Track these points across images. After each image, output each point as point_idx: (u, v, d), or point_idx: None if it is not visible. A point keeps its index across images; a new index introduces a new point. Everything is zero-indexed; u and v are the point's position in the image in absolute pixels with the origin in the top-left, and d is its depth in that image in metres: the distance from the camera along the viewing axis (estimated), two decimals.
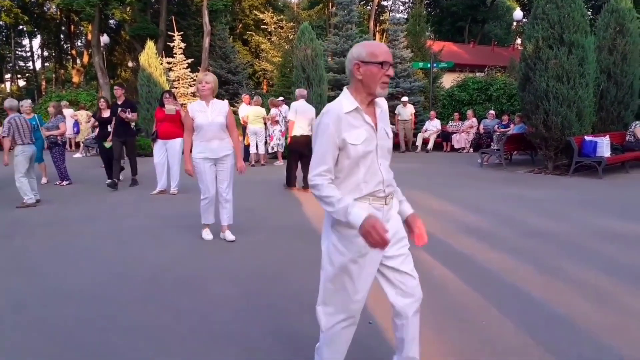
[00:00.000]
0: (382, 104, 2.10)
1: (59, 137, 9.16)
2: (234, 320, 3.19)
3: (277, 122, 11.68)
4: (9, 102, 7.55)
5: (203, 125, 4.89)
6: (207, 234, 5.26)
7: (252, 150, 11.88)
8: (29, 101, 9.08)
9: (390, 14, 37.63)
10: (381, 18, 40.51)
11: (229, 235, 5.19)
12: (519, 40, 37.69)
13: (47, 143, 9.16)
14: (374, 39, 35.33)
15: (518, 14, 23.27)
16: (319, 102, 13.67)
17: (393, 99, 16.08)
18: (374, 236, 1.80)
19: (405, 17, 32.91)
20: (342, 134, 1.94)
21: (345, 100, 2.00)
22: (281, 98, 13.17)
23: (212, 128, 4.91)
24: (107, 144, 9.02)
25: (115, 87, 8.98)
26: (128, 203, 7.51)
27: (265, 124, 12.01)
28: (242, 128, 12.35)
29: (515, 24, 35.30)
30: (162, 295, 3.67)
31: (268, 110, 12.29)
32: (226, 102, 5.28)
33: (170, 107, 7.96)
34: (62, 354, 2.80)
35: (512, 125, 12.71)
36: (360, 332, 2.37)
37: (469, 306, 3.32)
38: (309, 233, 5.41)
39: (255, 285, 3.83)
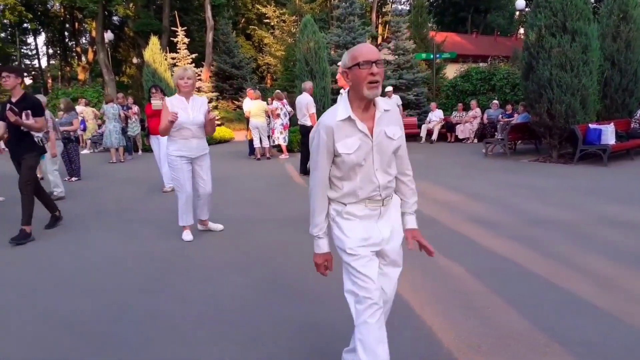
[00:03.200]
0: (382, 105, 2.03)
1: (72, 133, 9.24)
2: (242, 309, 3.26)
3: (278, 115, 11.71)
4: (44, 99, 7.69)
5: (184, 123, 4.73)
6: (187, 235, 5.02)
7: (256, 144, 11.94)
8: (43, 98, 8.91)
9: (393, 6, 37.49)
10: (383, 10, 40.35)
11: (216, 226, 5.34)
12: (521, 30, 37.46)
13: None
14: (377, 31, 35.26)
15: (520, 3, 23.12)
16: (322, 95, 13.73)
17: (396, 90, 16.08)
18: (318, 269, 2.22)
19: (408, 8, 32.81)
20: (335, 143, 1.95)
21: (342, 107, 1.98)
22: (283, 92, 13.20)
23: (193, 126, 4.80)
24: None
25: (4, 74, 5.12)
26: (136, 199, 7.59)
27: (269, 117, 12.05)
28: (246, 122, 12.43)
29: (517, 13, 35.06)
30: (171, 286, 3.74)
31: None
32: (205, 98, 5.23)
33: (156, 102, 7.61)
34: (74, 345, 2.88)
35: (515, 115, 12.69)
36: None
37: (474, 293, 3.37)
38: None
39: (263, 275, 3.89)
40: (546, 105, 9.31)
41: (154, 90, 7.85)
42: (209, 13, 23.79)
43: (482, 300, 3.23)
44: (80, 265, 4.37)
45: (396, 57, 17.26)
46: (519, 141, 12.01)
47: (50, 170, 7.60)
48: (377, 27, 36.69)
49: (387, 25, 35.84)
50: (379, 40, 32.64)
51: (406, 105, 16.70)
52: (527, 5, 25.03)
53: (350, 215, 2.06)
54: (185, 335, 2.92)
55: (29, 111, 5.10)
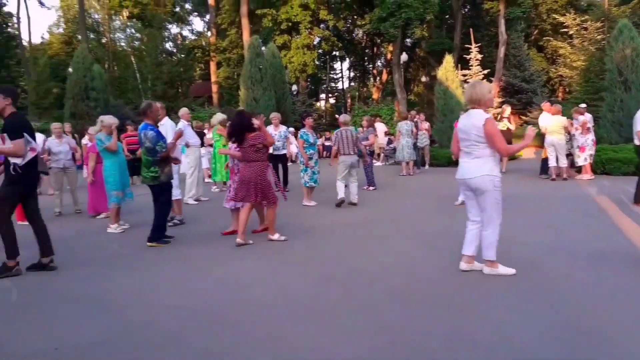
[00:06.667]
0: None
1: (368, 147, 10.32)
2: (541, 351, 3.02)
3: (588, 129, 10.51)
4: (343, 118, 8.82)
5: None
6: (508, 268, 4.38)
7: (552, 163, 10.98)
8: (347, 116, 9.87)
9: None
10: None
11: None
12: None
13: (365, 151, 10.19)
14: None
15: None
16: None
17: None
18: None
19: None
20: None
21: None
22: (583, 105, 11.80)
23: None
24: None
25: None
26: (427, 211, 7.87)
27: (569, 133, 10.95)
28: (542, 139, 11.55)
29: None
30: (470, 303, 3.73)
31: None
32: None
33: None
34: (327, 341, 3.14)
35: None
36: None
37: None
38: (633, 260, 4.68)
39: (564, 318, 3.51)
40: None
41: None
42: (502, 27, 23.25)
43: None
44: (380, 268, 4.73)
45: None
46: None
47: (337, 180, 8.43)
48: None
49: None
50: None
51: None
52: None
53: None
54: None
55: (5, 134, 4.70)
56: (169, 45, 41.55)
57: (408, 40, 36.53)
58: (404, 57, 27.47)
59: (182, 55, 37.22)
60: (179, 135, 7.32)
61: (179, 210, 7.50)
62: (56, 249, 5.24)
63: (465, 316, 3.46)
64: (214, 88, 34.83)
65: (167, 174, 6.04)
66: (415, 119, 14.24)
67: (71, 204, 8.88)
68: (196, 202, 9.36)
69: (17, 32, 34.69)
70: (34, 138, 4.89)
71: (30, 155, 4.76)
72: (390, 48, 33.66)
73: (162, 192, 6.07)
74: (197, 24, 72.49)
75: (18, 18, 34.26)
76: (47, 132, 11.27)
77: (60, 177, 8.71)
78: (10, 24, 35.47)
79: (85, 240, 6.54)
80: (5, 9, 34.32)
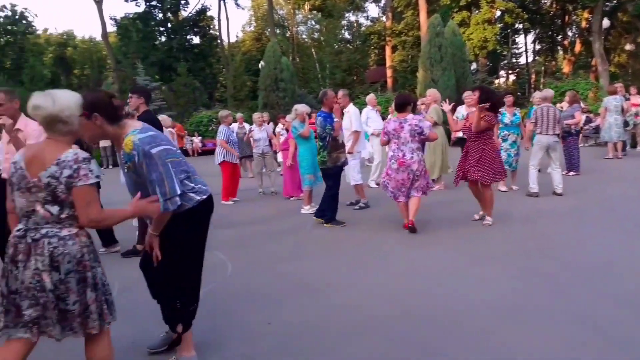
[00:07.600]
0: None
1: (572, 126, 9.20)
2: None
3: None
4: (544, 93, 7.90)
5: None
6: None
7: None
8: (549, 91, 8.24)
9: None
10: None
11: None
12: None
13: (561, 132, 9.12)
14: None
15: None
16: None
17: None
18: None
19: None
20: None
21: None
22: None
23: None
24: None
25: (130, 95, 5.31)
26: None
27: None
28: None
29: None
30: None
31: None
32: None
33: None
34: (602, 350, 2.70)
35: None
36: None
37: None
38: None
39: None
40: None
41: None
42: None
43: None
44: (598, 265, 4.17)
45: None
46: None
47: (530, 165, 7.48)
48: None
49: None
50: None
51: None
52: None
53: None
54: None
55: None
56: (347, 34, 42.77)
57: (607, 4, 31.88)
58: (606, 23, 23.87)
59: (359, 43, 38.00)
60: (339, 126, 7.14)
61: (363, 194, 7.61)
62: (260, 229, 5.96)
63: None
64: (389, 72, 34.81)
65: (334, 159, 6.31)
66: (624, 94, 12.30)
67: (269, 185, 9.70)
68: (377, 186, 9.43)
69: (217, 34, 39.10)
70: None
71: None
72: (585, 15, 29.78)
73: (328, 177, 6.40)
74: (372, 10, 73.47)
75: (219, 20, 38.58)
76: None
77: (260, 161, 9.67)
78: (212, 27, 40.18)
79: (282, 219, 7.04)
80: (208, 13, 39.00)
